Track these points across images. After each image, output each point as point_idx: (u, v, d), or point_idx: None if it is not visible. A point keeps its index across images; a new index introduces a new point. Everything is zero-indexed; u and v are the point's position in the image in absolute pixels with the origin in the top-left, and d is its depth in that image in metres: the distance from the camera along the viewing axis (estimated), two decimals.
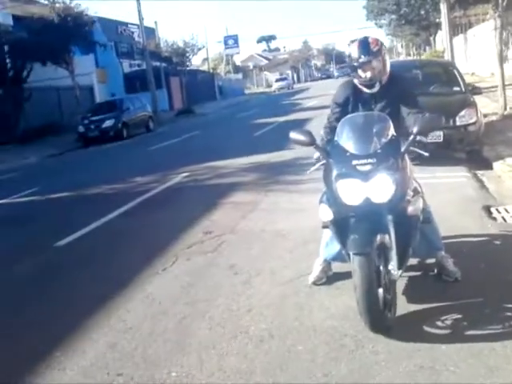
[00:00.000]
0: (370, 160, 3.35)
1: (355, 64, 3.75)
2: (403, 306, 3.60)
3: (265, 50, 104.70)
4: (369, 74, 3.73)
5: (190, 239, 5.84)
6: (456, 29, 34.54)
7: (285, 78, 62.41)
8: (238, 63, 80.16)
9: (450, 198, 6.27)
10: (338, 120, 3.83)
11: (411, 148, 3.55)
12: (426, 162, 7.83)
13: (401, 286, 3.90)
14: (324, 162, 3.65)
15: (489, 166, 7.92)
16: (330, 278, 4.19)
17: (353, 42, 3.99)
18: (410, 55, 49.64)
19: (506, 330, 3.23)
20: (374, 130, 3.51)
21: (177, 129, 22.81)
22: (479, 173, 7.66)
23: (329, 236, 3.94)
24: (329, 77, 74.78)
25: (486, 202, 6.05)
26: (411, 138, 3.48)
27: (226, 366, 3.17)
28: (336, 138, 3.61)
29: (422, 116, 3.59)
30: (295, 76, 75.08)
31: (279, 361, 3.15)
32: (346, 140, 3.51)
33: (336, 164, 3.48)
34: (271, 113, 23.89)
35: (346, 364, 3.03)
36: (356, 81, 3.86)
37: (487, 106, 13.72)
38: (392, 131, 3.53)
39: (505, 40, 22.03)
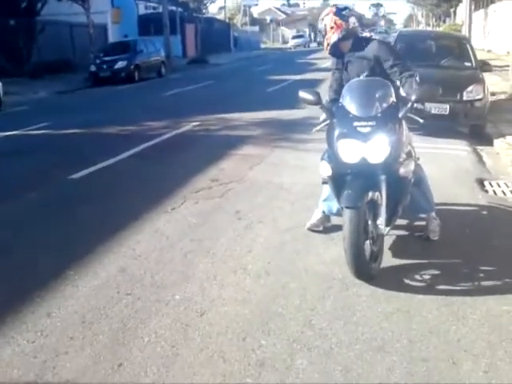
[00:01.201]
0: (370, 123, 3.64)
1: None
2: (388, 260, 3.97)
3: (283, 5, 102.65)
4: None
5: (199, 184, 6.18)
6: (478, 3, 33.99)
7: (302, 36, 61.65)
8: (255, 15, 79.01)
9: (447, 168, 6.59)
10: (336, 81, 4.33)
11: (408, 114, 3.85)
12: (430, 132, 8.24)
13: (389, 242, 4.27)
14: (328, 122, 3.96)
15: (490, 143, 8.20)
16: (327, 229, 4.55)
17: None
18: (429, 25, 48.89)
19: (479, 287, 3.61)
20: (376, 95, 3.79)
21: (189, 77, 22.83)
22: (479, 148, 7.96)
23: (328, 191, 4.28)
24: None
25: (481, 175, 6.37)
26: (409, 105, 3.77)
27: (225, 295, 3.55)
28: (341, 100, 3.90)
29: (415, 80, 3.84)
30: (312, 34, 73.91)
31: (272, 294, 3.53)
32: (350, 102, 3.80)
33: (338, 124, 3.78)
34: (286, 70, 23.88)
35: (331, 302, 3.42)
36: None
37: (497, 85, 13.84)
38: (393, 97, 3.80)
39: None
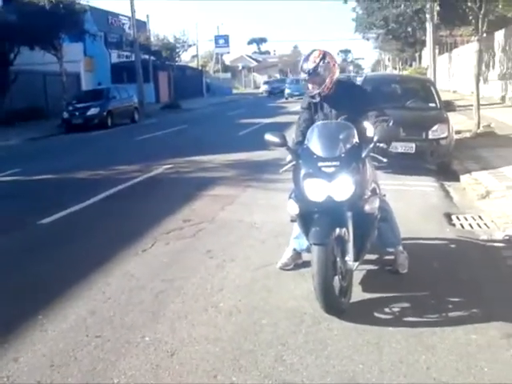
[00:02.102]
0: (334, 163, 3.75)
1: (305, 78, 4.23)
2: (358, 294, 4.01)
3: (255, 52, 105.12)
4: (312, 88, 4.20)
5: (170, 225, 6.18)
6: (442, 47, 35.35)
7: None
8: (227, 62, 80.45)
9: (415, 204, 6.72)
10: (305, 122, 4.39)
11: (371, 154, 3.97)
12: (399, 170, 8.42)
13: (359, 276, 4.32)
14: (294, 162, 4.05)
15: (456, 179, 8.40)
16: (299, 265, 4.58)
17: (300, 56, 4.46)
18: (395, 69, 50.48)
19: (447, 318, 3.65)
20: (340, 137, 3.91)
21: (162, 122, 23.03)
22: (446, 184, 8.14)
23: (299, 229, 4.33)
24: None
25: (448, 210, 6.50)
26: (371, 145, 3.91)
27: (196, 334, 3.53)
28: (306, 142, 4.02)
29: (387, 124, 4.02)
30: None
31: (244, 332, 3.52)
32: (314, 144, 3.91)
33: (304, 165, 3.88)
34: (257, 114, 24.29)
35: (302, 336, 3.42)
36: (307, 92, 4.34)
37: (463, 123, 14.28)
38: (355, 138, 3.94)
39: (486, 62, 22.84)
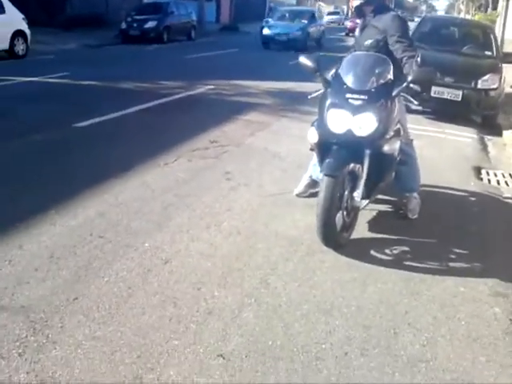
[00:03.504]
0: (362, 96, 3.66)
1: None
2: (362, 232, 4.01)
3: None
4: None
5: (197, 144, 6.23)
6: None
7: (337, 13, 60.60)
8: None
9: (448, 153, 6.55)
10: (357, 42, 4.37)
11: (402, 94, 3.86)
12: (441, 117, 8.14)
13: (370, 215, 4.31)
14: (324, 90, 3.98)
15: (499, 133, 8.07)
16: (313, 194, 4.56)
17: None
18: (469, 14, 47.67)
19: (443, 268, 3.61)
20: (375, 71, 3.80)
21: (217, 42, 22.75)
22: (487, 137, 7.85)
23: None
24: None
25: (480, 164, 6.31)
26: (404, 84, 3.77)
27: (193, 248, 3.64)
28: (339, 70, 3.91)
29: (416, 61, 3.85)
30: (350, 12, 72.58)
31: (238, 252, 3.60)
32: (347, 74, 3.82)
33: (332, 94, 3.80)
34: (314, 45, 23.58)
35: (293, 264, 3.48)
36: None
37: None
38: (390, 75, 3.80)
39: None
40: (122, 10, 23.64)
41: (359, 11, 4.37)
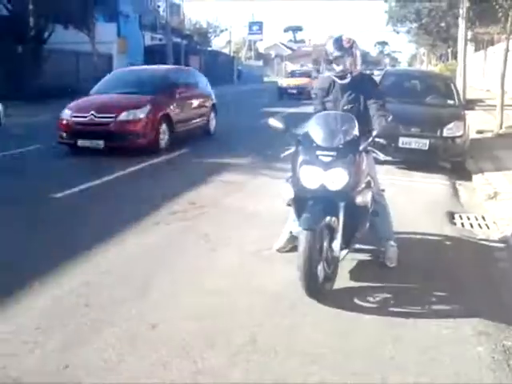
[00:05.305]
0: (331, 153, 3.86)
1: (330, 58, 4.26)
2: (344, 282, 4.11)
3: (290, 41, 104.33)
4: (341, 67, 4.24)
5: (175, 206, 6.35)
6: (478, 45, 34.59)
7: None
8: (261, 50, 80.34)
9: (420, 200, 6.75)
10: (320, 104, 4.51)
11: (369, 148, 4.06)
12: (412, 166, 8.41)
13: (351, 265, 4.43)
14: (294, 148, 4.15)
15: (469, 178, 8.35)
16: (295, 248, 4.66)
17: (330, 38, 4.51)
18: (430, 64, 49.68)
19: (424, 311, 3.73)
20: (341, 128, 4.01)
21: None
22: (458, 182, 8.12)
23: None
24: None
25: (452, 208, 6.51)
26: (370, 139, 3.98)
27: (178, 311, 3.67)
28: (307, 130, 4.11)
29: (386, 119, 4.08)
30: (315, 71, 74.91)
31: (223, 312, 3.66)
32: (315, 132, 4.02)
33: (303, 151, 3.99)
34: (283, 103, 24.26)
35: (278, 319, 3.55)
36: (331, 73, 4.37)
37: (488, 123, 14.06)
38: (356, 131, 4.02)
39: None
40: (92, 78, 24.06)
41: (335, 58, 4.22)
